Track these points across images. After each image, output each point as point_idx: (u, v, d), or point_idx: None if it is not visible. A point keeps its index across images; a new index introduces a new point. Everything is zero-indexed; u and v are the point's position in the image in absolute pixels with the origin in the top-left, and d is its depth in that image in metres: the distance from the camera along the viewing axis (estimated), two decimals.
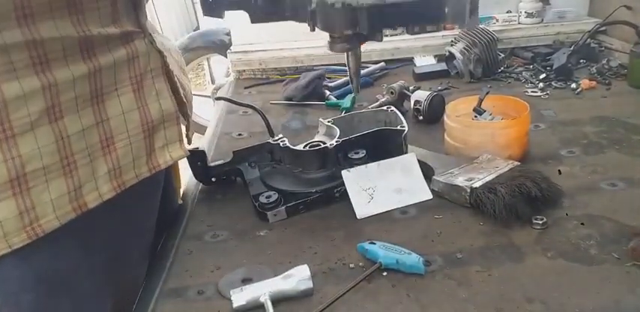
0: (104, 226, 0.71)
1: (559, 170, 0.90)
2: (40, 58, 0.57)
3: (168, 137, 0.76)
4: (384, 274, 0.68)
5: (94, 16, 0.63)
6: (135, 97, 0.70)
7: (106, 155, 0.68)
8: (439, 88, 1.38)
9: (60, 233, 0.63)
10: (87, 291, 0.70)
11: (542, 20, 1.64)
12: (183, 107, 0.79)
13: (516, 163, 0.86)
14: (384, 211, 0.82)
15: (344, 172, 0.83)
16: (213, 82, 3.46)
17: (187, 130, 0.84)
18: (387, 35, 1.63)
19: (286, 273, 0.66)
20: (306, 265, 0.67)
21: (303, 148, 0.89)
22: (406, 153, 0.89)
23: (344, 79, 1.45)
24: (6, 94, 0.56)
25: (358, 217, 0.80)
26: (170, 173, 0.93)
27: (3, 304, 0.62)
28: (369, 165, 0.85)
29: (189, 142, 0.87)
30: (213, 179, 0.94)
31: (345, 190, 0.83)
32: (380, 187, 0.83)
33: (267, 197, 0.83)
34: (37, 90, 0.58)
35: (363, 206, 0.81)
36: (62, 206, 0.63)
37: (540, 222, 0.75)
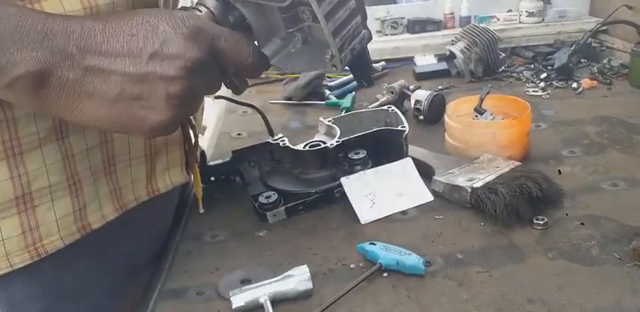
0: (116, 239, 0.71)
1: (559, 170, 0.89)
2: None
3: (169, 161, 0.76)
4: (385, 274, 0.68)
5: None
6: None
7: (107, 175, 0.68)
8: (440, 87, 1.37)
9: (65, 251, 0.63)
10: (96, 299, 0.70)
11: (543, 19, 1.64)
12: (185, 130, 0.75)
13: (517, 163, 0.86)
14: (387, 215, 0.81)
15: (343, 180, 0.82)
16: None
17: (195, 149, 0.79)
18: (386, 34, 1.64)
19: (286, 274, 0.66)
20: (305, 266, 0.67)
21: (303, 147, 0.89)
22: (407, 153, 0.89)
23: (344, 78, 1.45)
24: (16, 111, 0.55)
25: (362, 222, 0.79)
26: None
27: None
28: (367, 171, 0.84)
29: (197, 161, 0.81)
30: (212, 179, 0.93)
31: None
32: (380, 193, 0.83)
33: (266, 197, 0.83)
34: None
35: (365, 212, 0.80)
36: (67, 226, 0.62)
37: (541, 222, 0.75)
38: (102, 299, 0.71)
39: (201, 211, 0.85)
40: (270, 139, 0.91)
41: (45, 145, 0.58)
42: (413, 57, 1.60)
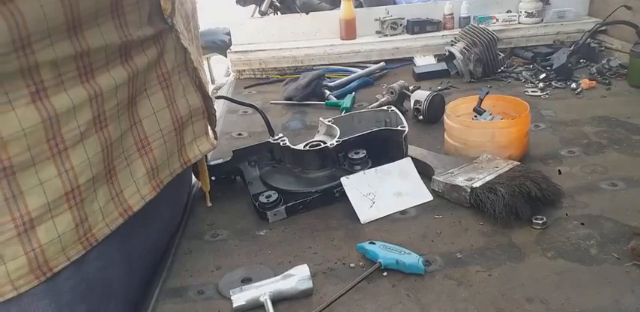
0: (143, 231, 0.72)
1: (559, 170, 0.90)
2: (86, 67, 0.57)
3: (196, 131, 0.77)
4: (384, 274, 0.68)
5: (135, 16, 0.62)
6: (164, 95, 0.70)
7: (143, 156, 0.69)
8: (439, 87, 1.38)
9: (107, 241, 0.64)
10: (130, 299, 0.71)
11: (543, 20, 1.64)
12: (207, 101, 0.79)
13: (516, 162, 0.86)
14: (387, 214, 0.82)
15: (343, 180, 0.83)
16: (213, 82, 3.46)
17: (213, 125, 0.84)
18: (386, 35, 1.64)
19: (286, 273, 0.66)
20: (305, 265, 0.67)
21: (304, 147, 0.89)
22: (406, 153, 0.89)
23: (344, 78, 1.45)
24: (57, 108, 0.55)
25: (362, 222, 0.80)
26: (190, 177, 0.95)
27: None
28: (366, 171, 0.85)
29: (215, 137, 0.87)
30: (213, 178, 0.93)
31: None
32: (380, 192, 0.83)
33: (267, 197, 0.83)
34: (85, 101, 0.58)
35: (365, 211, 0.81)
36: (110, 213, 0.64)
37: (540, 222, 0.75)
38: (132, 301, 0.72)
39: (209, 204, 0.87)
40: (270, 139, 0.91)
41: (86, 138, 0.59)
42: (412, 57, 1.61)
